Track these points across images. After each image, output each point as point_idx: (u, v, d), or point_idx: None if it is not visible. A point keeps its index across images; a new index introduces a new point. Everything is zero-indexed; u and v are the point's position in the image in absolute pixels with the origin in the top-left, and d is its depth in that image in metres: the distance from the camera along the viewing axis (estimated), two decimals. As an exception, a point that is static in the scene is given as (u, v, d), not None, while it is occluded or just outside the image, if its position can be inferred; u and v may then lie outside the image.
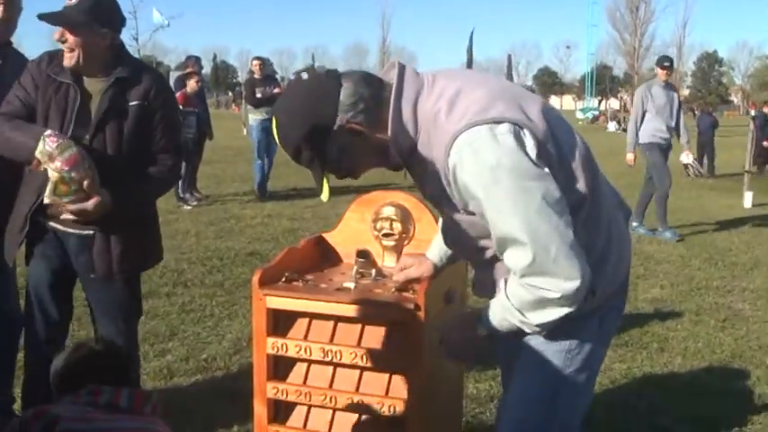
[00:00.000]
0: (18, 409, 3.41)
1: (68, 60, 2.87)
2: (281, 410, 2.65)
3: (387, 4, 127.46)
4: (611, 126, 45.06)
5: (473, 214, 1.91)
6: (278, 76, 19.51)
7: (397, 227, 2.86)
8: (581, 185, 1.95)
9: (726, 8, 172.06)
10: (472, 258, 2.18)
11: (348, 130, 1.92)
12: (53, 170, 2.73)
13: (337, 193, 3.05)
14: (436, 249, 2.49)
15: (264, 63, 12.31)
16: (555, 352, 2.06)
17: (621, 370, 4.52)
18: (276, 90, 11.48)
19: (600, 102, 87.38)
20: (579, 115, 63.62)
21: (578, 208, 1.93)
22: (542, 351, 2.07)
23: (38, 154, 2.75)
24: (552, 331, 2.00)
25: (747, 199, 11.61)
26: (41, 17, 2.85)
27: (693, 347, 4.99)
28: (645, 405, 4.05)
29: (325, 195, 2.00)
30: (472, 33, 29.20)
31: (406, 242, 2.86)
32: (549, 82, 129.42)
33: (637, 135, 8.89)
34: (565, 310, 1.88)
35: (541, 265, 1.82)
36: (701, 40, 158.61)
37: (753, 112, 12.44)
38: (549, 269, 1.82)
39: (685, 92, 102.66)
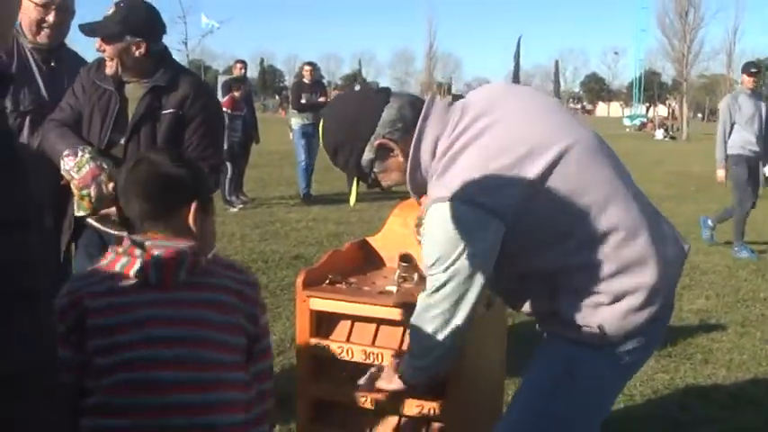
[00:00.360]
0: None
1: (109, 69, 3.02)
2: (322, 411, 2.69)
3: (433, 10, 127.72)
4: (659, 134, 44.48)
5: None
6: (325, 81, 19.65)
7: (440, 232, 2.88)
8: (594, 223, 1.98)
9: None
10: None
11: (381, 145, 2.08)
12: (74, 187, 2.86)
13: (382, 199, 3.12)
14: None
15: (315, 69, 12.52)
16: (558, 358, 2.12)
17: (664, 381, 4.49)
18: (321, 99, 11.63)
19: (648, 108, 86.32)
20: (626, 122, 62.90)
21: (598, 240, 1.99)
22: (546, 355, 2.17)
23: (62, 172, 2.89)
24: (563, 350, 2.10)
25: (798, 209, 11.38)
26: (81, 28, 2.98)
27: (738, 359, 4.93)
28: (687, 417, 4.01)
29: (352, 200, 2.19)
30: (519, 40, 29.11)
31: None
32: (596, 88, 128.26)
33: (726, 149, 8.26)
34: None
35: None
36: (752, 46, 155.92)
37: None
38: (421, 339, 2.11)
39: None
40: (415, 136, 2.05)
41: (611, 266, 1.99)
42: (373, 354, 2.55)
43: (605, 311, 2.01)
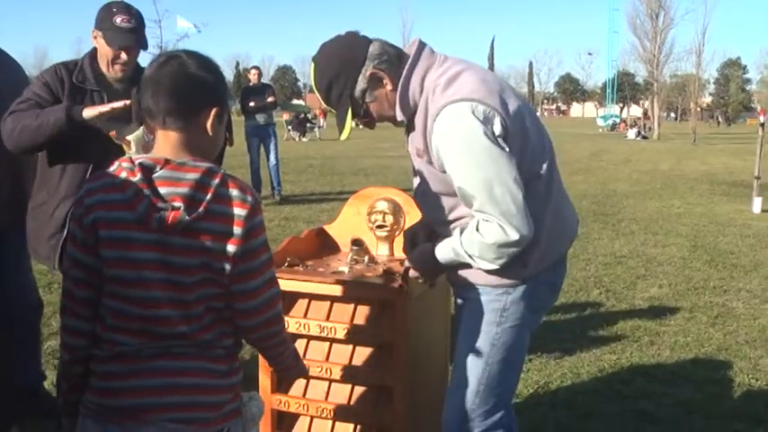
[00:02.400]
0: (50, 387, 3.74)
1: (125, 71, 3.24)
2: (283, 381, 2.94)
3: (407, 13, 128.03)
4: (631, 133, 45.01)
5: (445, 172, 2.32)
6: (300, 84, 19.80)
7: (389, 219, 3.16)
8: (536, 170, 2.35)
9: (748, 15, 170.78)
10: (434, 214, 2.53)
11: (373, 75, 2.36)
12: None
13: (344, 199, 3.39)
14: None
15: (260, 72, 12.98)
16: (489, 311, 2.46)
17: (611, 360, 4.79)
18: (270, 99, 12.25)
19: (621, 109, 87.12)
20: (600, 122, 63.05)
21: (529, 186, 2.31)
22: (478, 312, 2.47)
23: (133, 138, 3.00)
24: (486, 294, 2.44)
25: (756, 204, 11.75)
26: (143, 44, 3.25)
27: (683, 341, 5.24)
28: (629, 391, 4.31)
29: (345, 134, 2.42)
30: (493, 41, 29.40)
31: (396, 233, 3.16)
32: (570, 89, 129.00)
33: None
34: (500, 254, 2.28)
35: (492, 214, 2.23)
36: (723, 47, 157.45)
37: (762, 119, 12.55)
38: (498, 219, 2.23)
39: (707, 99, 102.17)
40: (410, 61, 2.36)
41: (546, 207, 2.39)
42: (327, 328, 2.81)
43: (530, 249, 2.34)
